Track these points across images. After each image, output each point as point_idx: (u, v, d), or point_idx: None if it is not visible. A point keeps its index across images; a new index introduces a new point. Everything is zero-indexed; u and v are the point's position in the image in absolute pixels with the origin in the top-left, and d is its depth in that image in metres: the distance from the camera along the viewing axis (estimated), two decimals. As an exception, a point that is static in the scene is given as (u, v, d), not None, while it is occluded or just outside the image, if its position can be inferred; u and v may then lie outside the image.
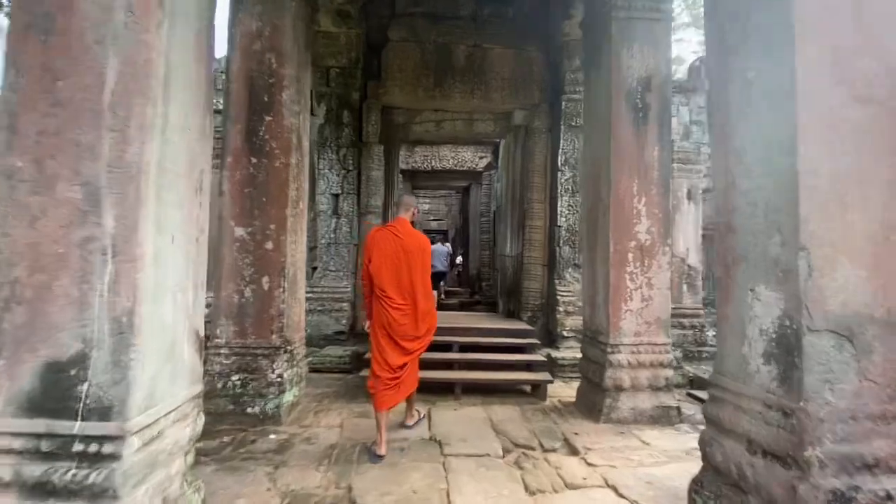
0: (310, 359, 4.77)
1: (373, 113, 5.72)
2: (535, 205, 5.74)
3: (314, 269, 5.58)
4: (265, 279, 3.39)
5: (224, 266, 3.38)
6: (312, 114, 6.37)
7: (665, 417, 3.57)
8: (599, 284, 3.83)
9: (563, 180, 5.58)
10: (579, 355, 5.01)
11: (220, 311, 3.36)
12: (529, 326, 5.11)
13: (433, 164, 10.48)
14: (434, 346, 4.40)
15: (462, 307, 10.08)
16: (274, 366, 3.35)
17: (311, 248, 5.67)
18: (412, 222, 3.44)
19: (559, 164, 5.58)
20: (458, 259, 14.10)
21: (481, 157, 10.56)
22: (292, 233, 3.56)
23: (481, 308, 9.70)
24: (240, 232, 3.39)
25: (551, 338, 5.41)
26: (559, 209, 5.55)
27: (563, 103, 5.59)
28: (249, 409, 3.28)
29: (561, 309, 5.37)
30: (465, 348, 4.53)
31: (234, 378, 3.31)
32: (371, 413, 3.23)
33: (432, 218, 20.03)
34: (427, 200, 20.08)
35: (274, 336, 3.39)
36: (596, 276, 3.90)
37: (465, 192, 11.50)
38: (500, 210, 6.66)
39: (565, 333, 5.28)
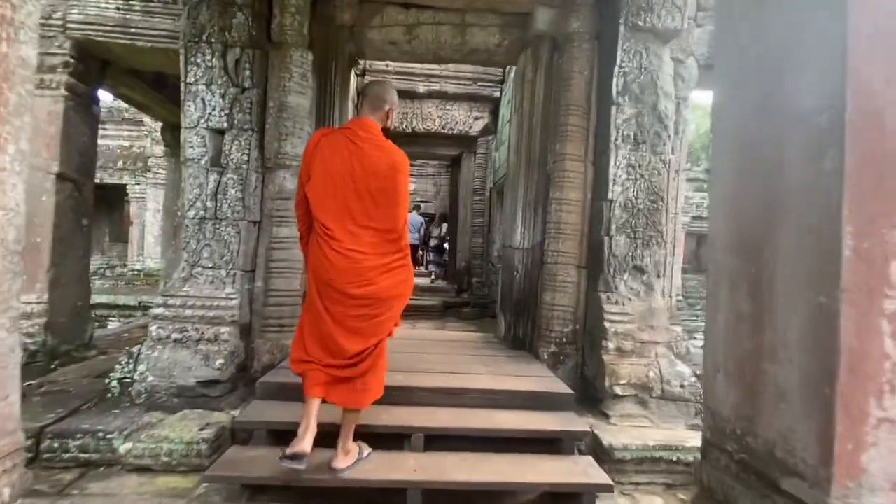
0: (126, 445, 2.38)
1: (293, -8, 3.23)
2: (567, 165, 3.33)
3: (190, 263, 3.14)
4: None
5: None
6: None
7: None
8: (788, 336, 1.46)
9: (620, 121, 3.18)
10: (653, 441, 2.70)
11: None
12: (565, 390, 2.62)
13: (414, 124, 8.00)
14: (377, 437, 2.05)
15: (446, 311, 7.74)
16: None
17: (180, 227, 3.23)
18: (386, 129, 2.12)
19: (615, 93, 3.18)
20: (445, 244, 11.71)
21: (476, 118, 8.10)
22: None
23: (470, 315, 7.36)
24: None
25: (593, 395, 3.08)
26: (612, 172, 3.17)
27: (625, -13, 3.17)
28: None
29: (611, 345, 3.02)
30: (435, 440, 2.17)
31: None
32: None
33: (419, 199, 17.62)
34: (413, 178, 17.67)
35: None
36: (771, 312, 1.52)
37: (454, 163, 9.04)
38: (507, 177, 4.24)
39: (619, 390, 2.94)
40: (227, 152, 3.05)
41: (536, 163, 3.58)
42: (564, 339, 3.27)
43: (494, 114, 8.07)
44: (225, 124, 3.05)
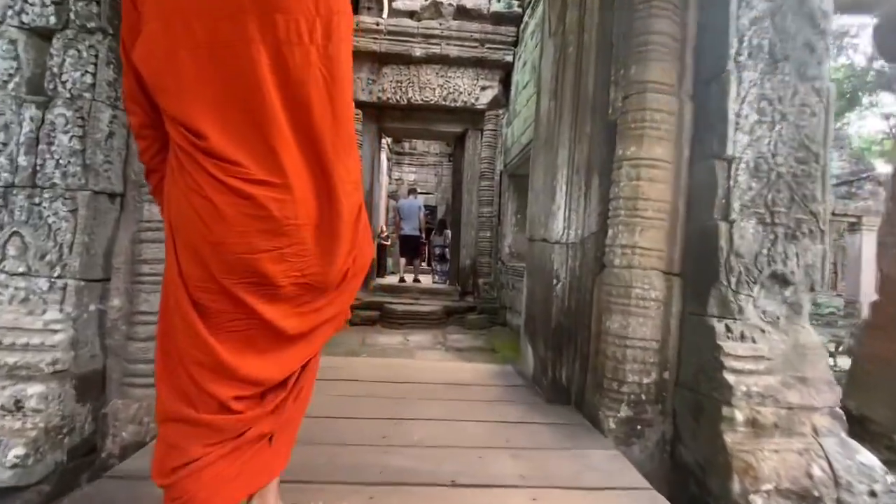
0: None
1: None
2: (649, 100, 1.94)
3: None
4: None
5: None
6: None
7: None
8: None
9: (745, 22, 1.81)
10: None
11: None
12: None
13: (410, 94, 6.64)
14: None
15: (448, 318, 6.39)
16: None
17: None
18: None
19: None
20: (446, 235, 10.31)
21: (484, 88, 6.72)
22: None
23: (477, 323, 6.01)
24: None
25: (699, 499, 1.76)
26: (731, 110, 1.80)
27: None
28: None
29: (739, 414, 1.68)
30: None
31: None
32: None
33: (419, 191, 16.30)
34: (412, 169, 16.38)
35: None
36: None
37: (457, 142, 7.65)
38: (537, 136, 2.83)
39: (760, 502, 1.62)
40: (55, 70, 1.70)
41: (590, 106, 2.21)
42: (643, 396, 1.91)
43: (505, 83, 6.71)
44: (52, 20, 1.70)
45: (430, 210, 16.58)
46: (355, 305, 6.78)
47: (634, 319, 1.92)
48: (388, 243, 11.59)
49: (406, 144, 16.03)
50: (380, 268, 11.43)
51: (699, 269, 1.87)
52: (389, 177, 15.51)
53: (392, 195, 15.78)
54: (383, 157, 13.11)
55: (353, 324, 6.14)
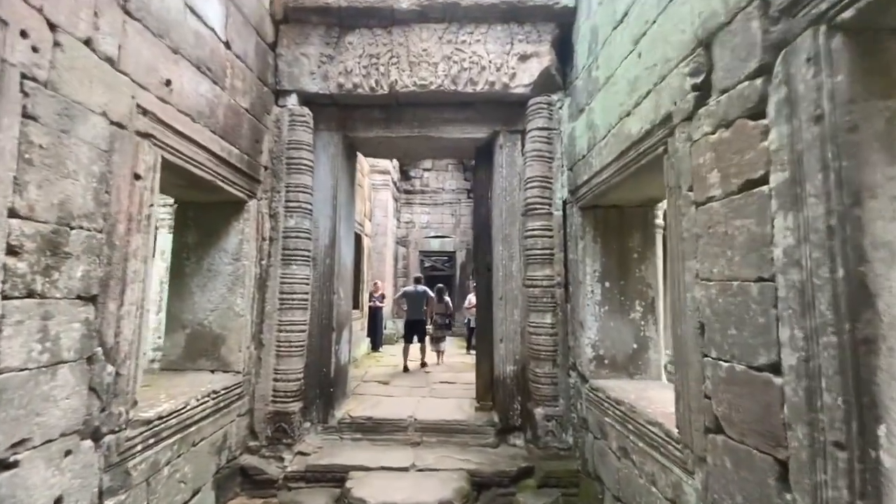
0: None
1: None
2: None
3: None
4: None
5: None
6: None
7: None
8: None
9: None
10: None
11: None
12: None
13: (394, 76, 3.65)
14: None
15: (477, 499, 3.08)
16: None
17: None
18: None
19: None
20: (447, 303, 7.10)
21: (524, 58, 3.68)
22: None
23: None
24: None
25: None
26: None
27: None
28: None
29: None
30: None
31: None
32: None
33: (433, 234, 13.28)
34: (425, 209, 13.43)
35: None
36: None
37: (480, 157, 4.40)
38: None
39: None
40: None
41: None
42: None
43: (562, 47, 3.68)
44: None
45: (449, 256, 13.48)
46: (291, 475, 3.46)
47: None
48: (384, 304, 8.42)
49: (417, 181, 13.20)
50: (374, 340, 8.21)
51: None
52: (398, 219, 12.57)
53: (401, 241, 12.76)
54: (379, 190, 10.16)
55: (281, 529, 2.84)
